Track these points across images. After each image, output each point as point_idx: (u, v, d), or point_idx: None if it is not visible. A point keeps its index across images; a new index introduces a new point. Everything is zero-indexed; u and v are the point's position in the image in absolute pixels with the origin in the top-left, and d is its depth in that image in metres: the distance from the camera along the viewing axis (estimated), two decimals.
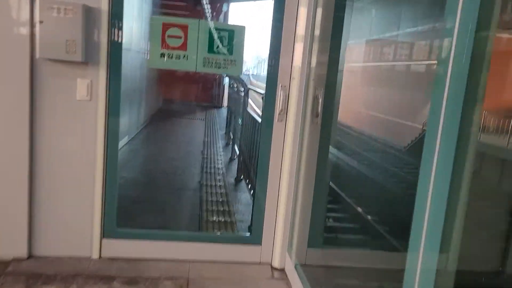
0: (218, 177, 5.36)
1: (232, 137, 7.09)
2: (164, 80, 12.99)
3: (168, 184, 4.78)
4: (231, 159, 6.56)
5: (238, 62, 2.80)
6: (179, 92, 14.89)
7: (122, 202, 3.90)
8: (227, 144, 7.75)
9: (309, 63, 2.77)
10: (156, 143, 7.43)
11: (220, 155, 6.80)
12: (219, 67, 2.75)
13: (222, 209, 4.15)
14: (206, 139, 8.12)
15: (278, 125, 2.88)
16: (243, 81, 5.32)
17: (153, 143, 7.40)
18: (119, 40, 2.66)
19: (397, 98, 19.88)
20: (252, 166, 4.58)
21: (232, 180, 5.32)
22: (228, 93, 9.86)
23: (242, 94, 5.43)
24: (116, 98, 2.69)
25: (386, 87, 21.14)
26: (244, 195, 4.69)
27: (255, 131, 4.46)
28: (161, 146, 7.21)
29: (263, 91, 3.92)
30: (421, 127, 17.93)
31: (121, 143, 6.70)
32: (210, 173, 5.53)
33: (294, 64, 2.79)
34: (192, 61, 2.72)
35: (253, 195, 4.15)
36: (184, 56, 2.71)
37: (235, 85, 7.03)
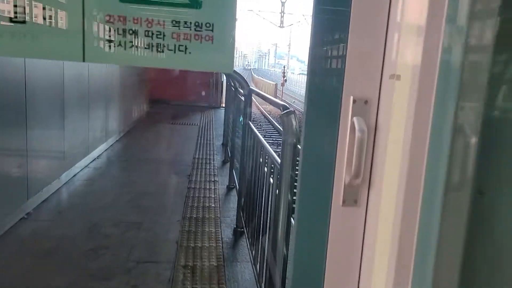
0: (208, 228, 3.48)
1: (230, 155, 5.20)
2: (151, 77, 11.10)
3: (116, 260, 2.90)
4: (229, 188, 4.68)
5: (223, 37, 0.90)
6: (170, 91, 12.99)
7: None
8: (224, 162, 5.87)
9: (449, 47, 0.86)
10: (128, 166, 5.55)
11: (215, 181, 4.92)
12: (168, 49, 0.87)
13: None
14: (197, 155, 6.24)
15: (347, 212, 0.98)
16: (243, 78, 3.44)
17: (124, 166, 5.52)
18: None
19: None
20: (258, 217, 2.70)
21: (229, 232, 3.44)
22: (226, 92, 8.00)
23: (242, 98, 3.54)
24: None
25: None
26: (248, 272, 2.81)
27: (264, 166, 2.58)
28: (135, 170, 5.33)
29: (280, 102, 2.06)
30: None
31: (77, 167, 4.83)
32: (197, 220, 3.65)
33: (398, 51, 0.89)
34: (71, 34, 0.82)
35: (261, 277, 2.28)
36: (46, 22, 0.81)
37: (233, 84, 5.11)
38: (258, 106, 26.43)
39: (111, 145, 6.44)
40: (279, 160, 1.90)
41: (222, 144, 6.97)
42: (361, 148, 0.87)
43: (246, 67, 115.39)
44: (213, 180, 4.98)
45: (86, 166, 5.09)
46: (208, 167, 5.60)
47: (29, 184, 3.57)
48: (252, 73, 74.95)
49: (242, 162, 3.38)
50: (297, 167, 1.32)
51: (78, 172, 4.78)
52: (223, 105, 12.40)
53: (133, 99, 8.55)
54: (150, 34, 0.84)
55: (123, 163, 5.56)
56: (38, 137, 3.73)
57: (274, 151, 2.27)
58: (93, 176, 4.77)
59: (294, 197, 1.75)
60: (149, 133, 8.06)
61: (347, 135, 0.89)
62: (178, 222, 3.55)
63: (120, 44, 0.83)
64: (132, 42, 0.84)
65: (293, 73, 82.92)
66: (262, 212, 2.61)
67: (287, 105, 1.83)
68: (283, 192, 1.85)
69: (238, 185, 3.85)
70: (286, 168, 1.77)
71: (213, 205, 4.06)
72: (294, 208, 1.22)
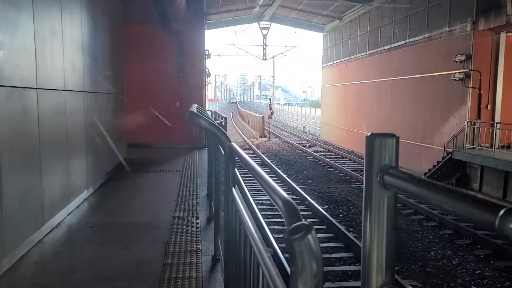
0: None
1: (214, 212, 4.31)
2: (128, 120, 10.27)
3: None
4: (214, 259, 3.78)
5: None
6: (150, 133, 12.14)
7: None
8: (209, 220, 4.97)
9: None
10: (93, 236, 4.60)
11: (197, 250, 4.01)
12: None
13: None
14: (177, 213, 5.33)
15: None
16: (222, 132, 2.59)
17: (87, 236, 4.57)
18: None
19: (406, 115, 17.35)
20: None
21: None
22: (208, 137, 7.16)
23: (223, 159, 2.68)
24: None
25: (391, 103, 18.64)
26: None
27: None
28: (99, 241, 4.40)
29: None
30: (443, 148, 15.17)
31: (26, 245, 3.88)
32: None
33: None
34: None
35: None
36: None
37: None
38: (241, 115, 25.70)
39: (77, 207, 5.51)
40: None
41: (207, 195, 6.09)
42: None
43: (231, 101, 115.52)
44: (195, 249, 4.06)
45: (39, 241, 4.16)
46: (190, 229, 4.69)
47: None
48: (238, 106, 74.93)
49: (227, 244, 2.50)
50: None
51: (26, 252, 3.83)
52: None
53: (106, 147, 7.67)
54: None
55: (87, 232, 4.62)
56: None
57: None
58: (44, 257, 3.83)
59: None
60: (124, 187, 7.14)
61: None
62: None
63: None
64: None
65: (279, 103, 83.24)
66: None
67: (293, 204, 0.99)
68: None
69: (224, 265, 2.95)
70: None
71: None
72: None
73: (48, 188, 4.56)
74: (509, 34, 12.92)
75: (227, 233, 2.52)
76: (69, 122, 5.31)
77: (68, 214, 5.13)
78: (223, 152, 2.98)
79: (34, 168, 4.25)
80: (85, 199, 5.92)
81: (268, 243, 6.83)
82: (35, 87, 4.25)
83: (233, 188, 2.35)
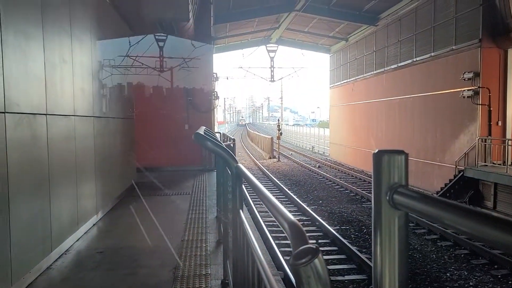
0: None
1: (223, 234, 4.24)
2: (137, 144, 10.34)
3: None
4: (224, 284, 3.70)
5: None
6: (160, 156, 12.18)
7: None
8: (218, 243, 4.90)
9: None
10: (101, 261, 4.54)
11: (206, 275, 3.93)
12: None
13: None
14: (186, 236, 5.27)
15: None
16: (228, 152, 2.57)
17: (96, 262, 4.51)
18: None
19: (415, 133, 17.20)
20: None
21: None
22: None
23: (230, 180, 2.64)
24: None
25: (400, 121, 18.51)
26: None
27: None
28: (108, 267, 4.34)
29: None
30: (454, 166, 14.89)
31: (33, 273, 3.83)
32: None
33: None
34: None
35: None
36: None
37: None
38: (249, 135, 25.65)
39: (86, 232, 5.48)
40: None
41: (216, 217, 6.03)
42: None
43: (240, 123, 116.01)
44: (204, 273, 3.99)
45: (47, 268, 4.12)
46: (199, 253, 4.62)
47: None
48: (248, 128, 75.34)
49: (236, 267, 2.44)
50: None
51: (34, 280, 3.79)
52: None
53: (115, 171, 7.69)
54: None
55: (96, 258, 4.57)
56: None
57: None
58: (52, 285, 3.77)
59: None
60: (134, 211, 7.10)
61: None
62: None
63: None
64: None
65: (288, 124, 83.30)
66: None
67: (299, 226, 0.96)
68: None
69: None
70: None
71: None
72: None
73: (57, 214, 4.55)
74: None
75: (235, 257, 2.46)
76: (78, 147, 5.34)
77: (77, 240, 5.10)
78: (230, 173, 2.95)
79: (43, 194, 4.25)
80: (94, 224, 5.89)
81: (279, 266, 6.70)
82: (45, 113, 4.29)
83: (241, 210, 2.31)
